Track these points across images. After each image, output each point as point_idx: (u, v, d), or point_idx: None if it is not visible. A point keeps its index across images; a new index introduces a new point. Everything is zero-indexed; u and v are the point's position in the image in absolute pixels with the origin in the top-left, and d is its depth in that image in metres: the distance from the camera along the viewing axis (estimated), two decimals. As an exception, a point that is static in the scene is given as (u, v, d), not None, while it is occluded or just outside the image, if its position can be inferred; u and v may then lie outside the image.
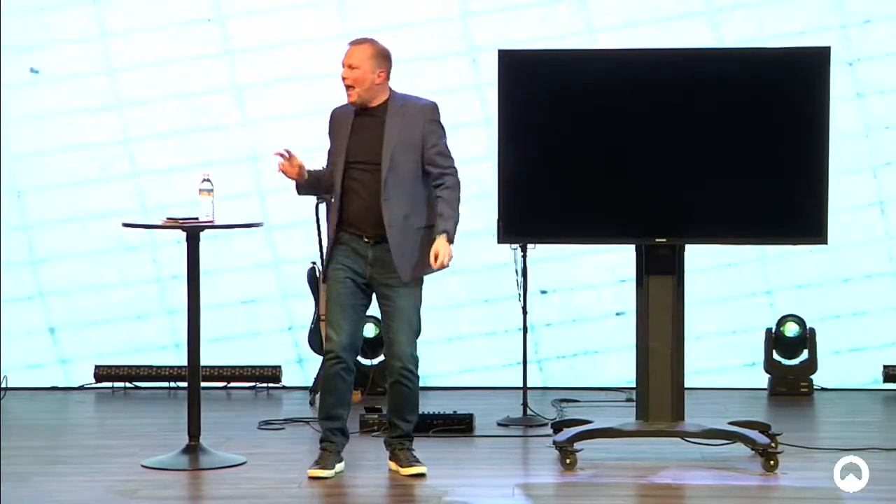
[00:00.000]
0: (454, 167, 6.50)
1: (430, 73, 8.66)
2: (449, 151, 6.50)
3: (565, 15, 8.77)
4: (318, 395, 8.28)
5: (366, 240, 6.44)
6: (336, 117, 6.59)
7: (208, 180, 6.76)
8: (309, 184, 6.58)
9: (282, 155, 6.45)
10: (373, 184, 6.40)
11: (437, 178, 6.46)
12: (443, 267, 6.38)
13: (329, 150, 6.61)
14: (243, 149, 8.89)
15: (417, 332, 6.54)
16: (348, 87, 6.44)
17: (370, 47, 6.47)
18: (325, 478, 6.47)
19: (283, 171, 6.48)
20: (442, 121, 6.52)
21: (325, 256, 6.75)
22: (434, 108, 6.52)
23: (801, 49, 7.09)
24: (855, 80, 8.70)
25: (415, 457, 6.58)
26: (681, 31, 8.68)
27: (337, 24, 8.76)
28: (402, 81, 8.79)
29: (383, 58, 6.48)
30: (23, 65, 8.88)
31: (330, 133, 6.59)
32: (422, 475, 6.50)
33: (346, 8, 8.83)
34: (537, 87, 6.75)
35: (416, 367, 6.53)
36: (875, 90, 8.72)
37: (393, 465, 6.62)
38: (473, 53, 8.79)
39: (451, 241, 6.39)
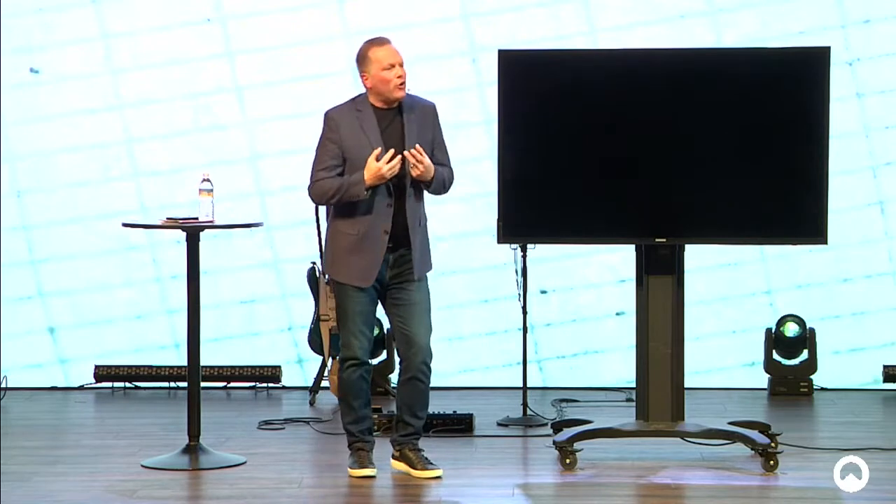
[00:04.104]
0: (450, 165, 6.58)
1: (431, 73, 8.65)
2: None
3: (566, 15, 8.76)
4: (317, 395, 8.34)
5: (389, 244, 6.40)
6: (339, 117, 6.41)
7: (208, 180, 6.76)
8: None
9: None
10: (397, 184, 6.39)
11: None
12: (412, 158, 6.31)
13: (331, 154, 6.37)
14: (243, 149, 8.89)
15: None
16: (401, 85, 6.37)
17: None
18: (373, 476, 6.45)
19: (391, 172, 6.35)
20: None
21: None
22: (436, 108, 6.56)
23: (801, 49, 7.10)
24: (855, 80, 8.70)
25: (428, 459, 6.56)
26: (681, 31, 8.68)
27: (337, 24, 8.76)
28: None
29: None
30: (23, 65, 8.88)
31: (332, 136, 6.39)
32: (438, 478, 6.48)
33: (347, 8, 8.82)
34: (537, 87, 6.75)
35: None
36: (875, 90, 8.72)
37: (401, 466, 6.58)
38: (474, 53, 8.79)
39: (431, 176, 6.38)
